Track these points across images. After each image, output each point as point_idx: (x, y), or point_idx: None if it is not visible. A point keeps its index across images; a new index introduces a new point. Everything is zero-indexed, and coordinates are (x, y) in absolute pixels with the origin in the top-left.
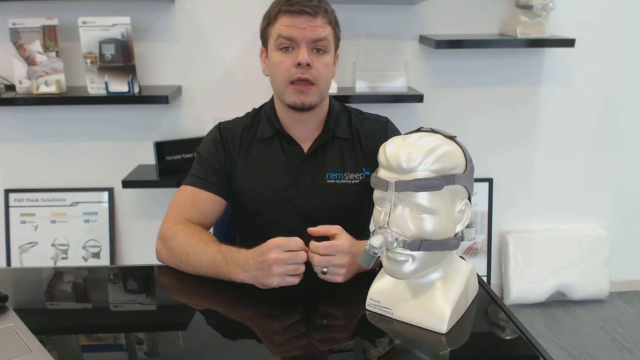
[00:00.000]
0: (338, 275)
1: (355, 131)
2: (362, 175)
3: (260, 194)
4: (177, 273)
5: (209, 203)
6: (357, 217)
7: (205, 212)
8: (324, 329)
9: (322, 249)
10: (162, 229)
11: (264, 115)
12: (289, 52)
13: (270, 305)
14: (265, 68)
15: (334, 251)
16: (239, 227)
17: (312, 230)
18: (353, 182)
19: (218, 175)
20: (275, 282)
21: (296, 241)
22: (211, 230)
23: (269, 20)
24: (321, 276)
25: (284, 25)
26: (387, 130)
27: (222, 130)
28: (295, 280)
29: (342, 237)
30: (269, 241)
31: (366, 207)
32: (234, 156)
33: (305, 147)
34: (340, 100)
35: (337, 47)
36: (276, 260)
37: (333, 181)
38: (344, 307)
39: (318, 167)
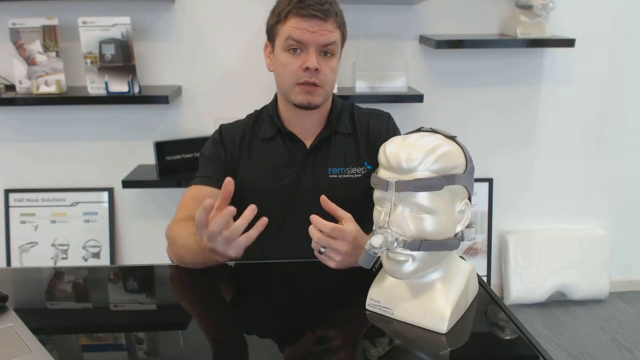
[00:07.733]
0: (332, 260)
1: (358, 126)
2: (364, 170)
3: (264, 191)
4: (177, 273)
5: (211, 197)
6: (360, 211)
7: None
8: (324, 328)
9: (329, 229)
10: (167, 229)
11: (266, 114)
12: (297, 54)
13: (269, 304)
14: (270, 64)
15: (337, 235)
16: None
17: (325, 202)
18: (355, 176)
19: (220, 172)
20: (231, 253)
21: (199, 213)
22: None
23: (278, 17)
24: (316, 254)
25: (294, 27)
26: (389, 124)
27: (223, 130)
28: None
29: (349, 225)
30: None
31: (369, 201)
32: (235, 154)
33: (308, 143)
34: None
35: (342, 47)
36: (210, 236)
37: (335, 176)
38: (344, 307)
39: (320, 163)
